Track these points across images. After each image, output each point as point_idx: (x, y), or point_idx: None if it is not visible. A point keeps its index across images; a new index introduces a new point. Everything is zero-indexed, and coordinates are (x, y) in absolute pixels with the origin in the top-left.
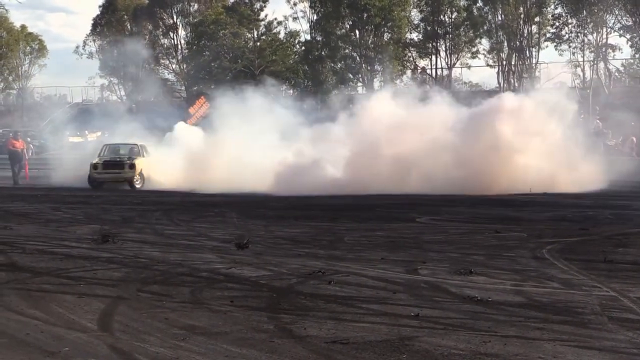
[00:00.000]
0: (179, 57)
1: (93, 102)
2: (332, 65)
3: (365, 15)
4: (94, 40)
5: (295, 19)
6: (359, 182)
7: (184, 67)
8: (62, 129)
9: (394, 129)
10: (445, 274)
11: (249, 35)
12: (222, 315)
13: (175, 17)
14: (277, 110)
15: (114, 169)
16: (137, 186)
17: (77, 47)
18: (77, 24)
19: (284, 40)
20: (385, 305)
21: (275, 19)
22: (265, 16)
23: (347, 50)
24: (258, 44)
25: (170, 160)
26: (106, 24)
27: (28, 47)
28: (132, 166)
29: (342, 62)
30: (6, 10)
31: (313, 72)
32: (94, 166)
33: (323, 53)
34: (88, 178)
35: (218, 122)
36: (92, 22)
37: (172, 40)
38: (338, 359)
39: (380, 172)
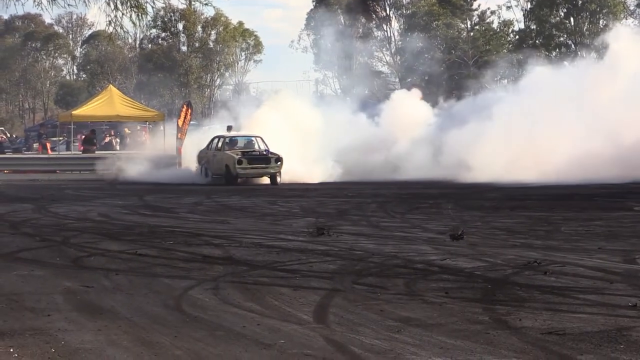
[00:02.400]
0: (392, 50)
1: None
2: (547, 53)
3: (580, 2)
4: (308, 35)
5: (508, 7)
6: None
7: (397, 59)
8: None
9: None
10: None
11: (462, 26)
12: (437, 307)
13: (388, 9)
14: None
15: (261, 163)
16: (279, 180)
17: (292, 41)
18: (292, 19)
19: (498, 30)
20: (602, 296)
21: (489, 8)
22: (479, 6)
23: (561, 39)
24: (471, 34)
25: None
26: (320, 18)
27: (244, 43)
28: (279, 160)
29: (557, 50)
30: (213, 7)
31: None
32: (239, 161)
33: (537, 42)
34: (226, 173)
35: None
36: (306, 16)
37: (385, 33)
38: (554, 349)
39: None
